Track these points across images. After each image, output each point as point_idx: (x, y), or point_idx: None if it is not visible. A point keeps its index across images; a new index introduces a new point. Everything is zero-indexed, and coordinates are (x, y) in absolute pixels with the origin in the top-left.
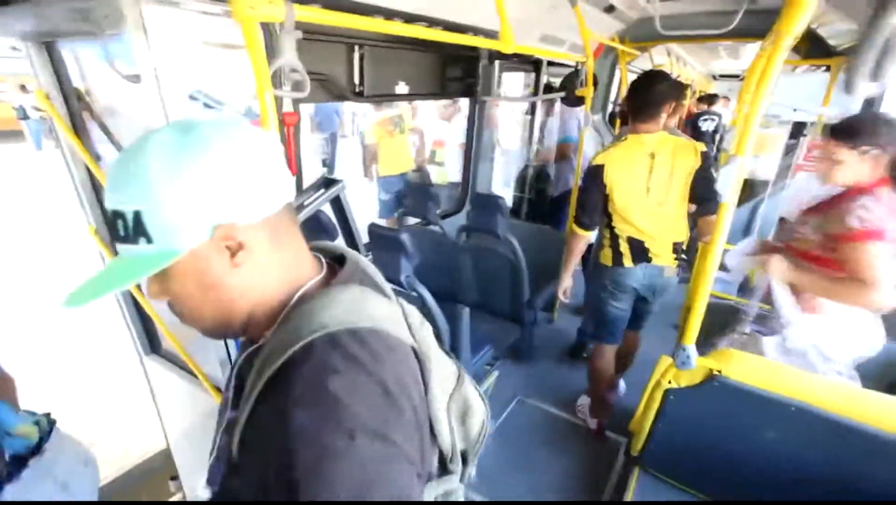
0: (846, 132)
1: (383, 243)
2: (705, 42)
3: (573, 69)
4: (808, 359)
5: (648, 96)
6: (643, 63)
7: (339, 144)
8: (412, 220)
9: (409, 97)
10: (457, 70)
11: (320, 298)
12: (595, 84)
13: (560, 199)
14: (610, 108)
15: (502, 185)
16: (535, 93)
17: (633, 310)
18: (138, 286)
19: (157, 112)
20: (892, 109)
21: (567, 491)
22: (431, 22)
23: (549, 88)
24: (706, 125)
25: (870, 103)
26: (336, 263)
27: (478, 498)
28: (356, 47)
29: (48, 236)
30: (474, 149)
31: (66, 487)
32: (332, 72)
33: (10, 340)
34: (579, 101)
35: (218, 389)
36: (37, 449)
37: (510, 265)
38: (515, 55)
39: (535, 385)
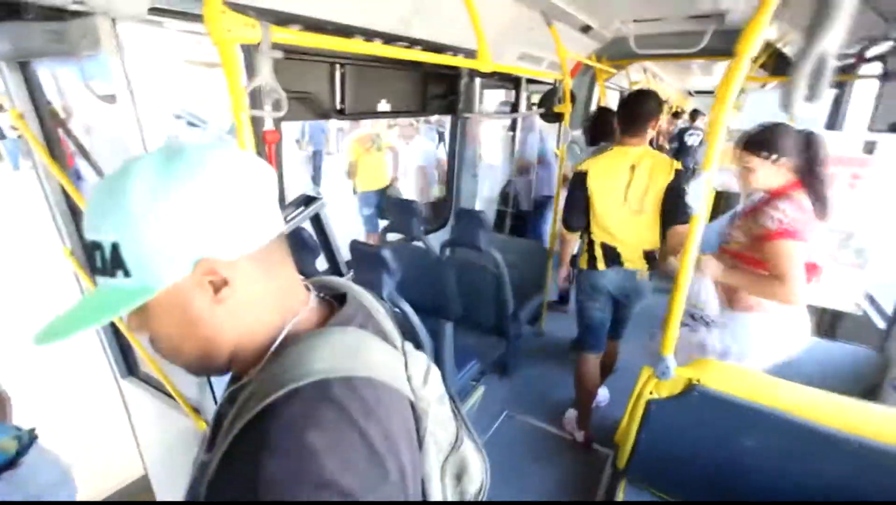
0: (754, 142)
1: (365, 260)
2: (678, 60)
3: (552, 86)
4: (727, 357)
5: (637, 113)
6: (620, 80)
7: (326, 161)
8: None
9: (390, 115)
10: (438, 88)
11: (314, 338)
12: (573, 101)
13: (525, 212)
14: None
15: (487, 200)
16: (516, 109)
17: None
18: None
19: (134, 132)
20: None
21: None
22: (411, 42)
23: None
24: (691, 139)
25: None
26: (337, 300)
27: None
28: (338, 66)
29: (25, 258)
30: (457, 165)
31: (37, 501)
32: (315, 90)
33: None
34: (557, 117)
35: (197, 412)
36: (13, 462)
37: (494, 279)
38: (495, 73)
39: (523, 399)
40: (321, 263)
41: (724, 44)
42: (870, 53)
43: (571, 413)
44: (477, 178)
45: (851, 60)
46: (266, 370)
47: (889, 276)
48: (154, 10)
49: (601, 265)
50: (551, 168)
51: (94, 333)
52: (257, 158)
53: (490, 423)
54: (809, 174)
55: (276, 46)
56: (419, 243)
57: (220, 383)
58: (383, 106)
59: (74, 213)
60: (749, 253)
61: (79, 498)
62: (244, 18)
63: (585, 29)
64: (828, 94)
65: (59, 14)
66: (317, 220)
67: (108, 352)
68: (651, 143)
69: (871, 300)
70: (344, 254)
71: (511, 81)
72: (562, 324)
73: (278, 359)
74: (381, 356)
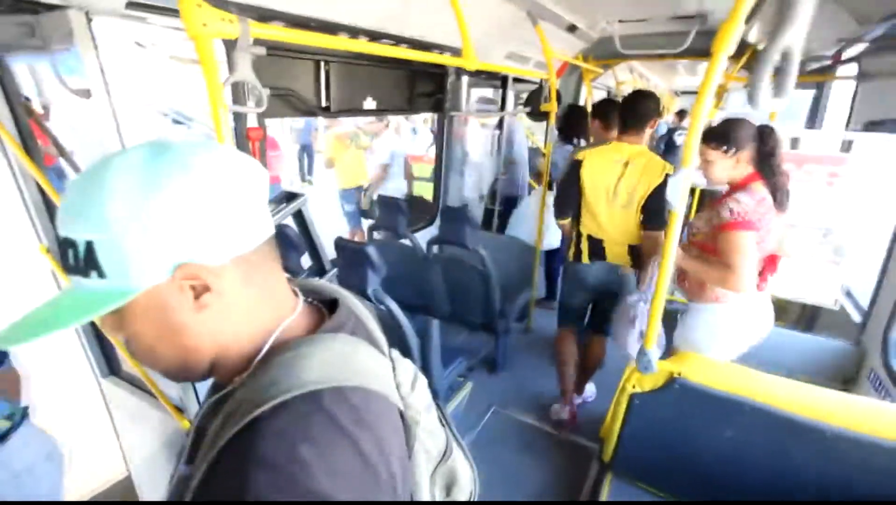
0: (711, 136)
1: (350, 257)
2: (663, 60)
3: (538, 85)
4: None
5: (637, 112)
6: (607, 80)
7: (317, 158)
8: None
9: (377, 112)
10: (425, 86)
11: (304, 346)
12: (559, 100)
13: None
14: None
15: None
16: (502, 108)
17: (593, 308)
18: None
19: (110, 128)
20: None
21: (542, 499)
22: (397, 40)
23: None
24: (680, 139)
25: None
26: (327, 306)
27: None
28: (323, 63)
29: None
30: (444, 163)
31: (17, 477)
32: (300, 87)
33: None
34: (544, 115)
35: (180, 411)
36: (1, 439)
37: (480, 276)
38: (482, 72)
39: (511, 395)
40: (305, 261)
41: (706, 44)
42: (846, 55)
43: (556, 406)
44: (464, 175)
45: (828, 62)
46: (253, 380)
47: (865, 271)
48: (131, 5)
49: (585, 258)
50: (520, 168)
51: (73, 331)
52: (248, 158)
53: (478, 419)
54: (765, 166)
55: (257, 42)
56: (406, 241)
57: (204, 383)
58: (369, 104)
59: (50, 210)
60: (710, 243)
61: (64, 495)
62: (221, 13)
63: (571, 29)
64: (806, 95)
65: (32, 7)
66: (299, 217)
67: (87, 351)
68: None
69: (849, 295)
70: (328, 251)
71: (498, 80)
72: (549, 320)
73: (265, 368)
74: (371, 365)
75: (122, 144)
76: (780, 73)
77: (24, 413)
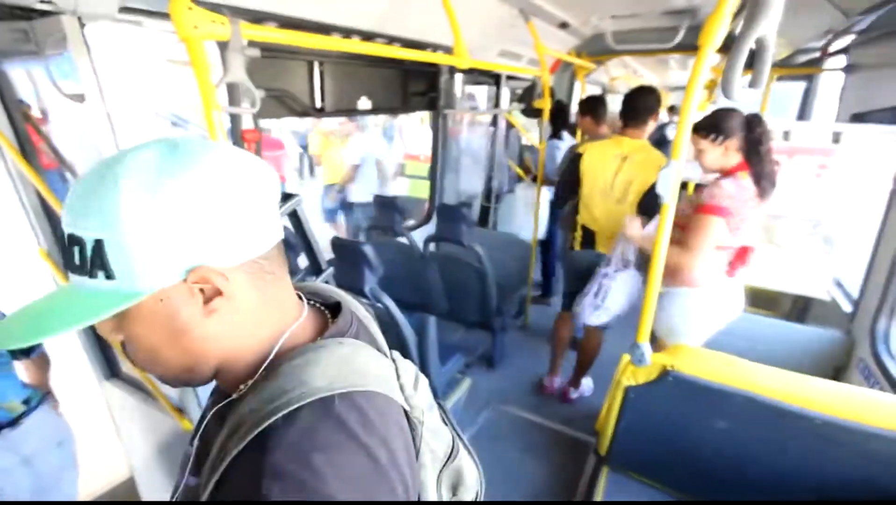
0: (702, 126)
1: (347, 256)
2: (655, 55)
3: (531, 82)
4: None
5: (639, 107)
6: (600, 76)
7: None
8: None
9: (371, 112)
10: (419, 84)
11: (310, 352)
12: (553, 97)
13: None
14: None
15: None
16: (496, 105)
17: None
18: None
19: (105, 131)
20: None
21: (540, 493)
22: (390, 39)
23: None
24: (671, 134)
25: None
26: (329, 309)
27: None
28: (316, 63)
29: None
30: (439, 161)
31: (27, 463)
32: (293, 88)
33: None
34: (537, 112)
35: (180, 412)
36: (15, 421)
37: (477, 273)
38: (474, 69)
39: (508, 391)
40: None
41: (697, 39)
42: (834, 47)
43: (547, 378)
44: (458, 173)
45: (817, 54)
46: (260, 388)
47: (855, 262)
48: (124, 10)
49: (577, 246)
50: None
51: (72, 333)
52: (260, 160)
53: (476, 414)
54: (753, 154)
55: (251, 45)
56: (403, 239)
57: (204, 386)
58: (363, 103)
59: (49, 214)
60: (687, 223)
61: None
62: (212, 15)
63: (563, 25)
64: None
65: (26, 13)
66: (295, 217)
67: (88, 353)
68: None
69: (839, 285)
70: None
71: (491, 78)
72: (545, 316)
73: (273, 376)
74: (376, 368)
75: (117, 148)
76: (755, 63)
77: (42, 399)
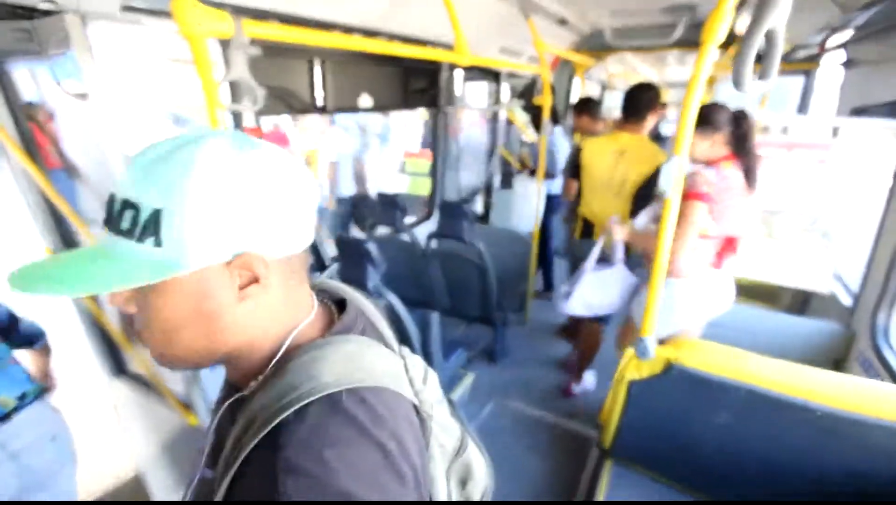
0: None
1: (351, 252)
2: (653, 52)
3: (532, 79)
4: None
5: (634, 103)
6: (599, 73)
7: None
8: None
9: (371, 110)
10: (419, 82)
11: (318, 349)
12: (553, 93)
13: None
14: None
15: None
16: (497, 102)
17: None
18: (98, 302)
19: (108, 129)
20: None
21: (544, 487)
22: (390, 37)
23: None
24: (665, 130)
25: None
26: (337, 305)
27: None
28: (317, 61)
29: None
30: (440, 158)
31: (14, 458)
32: (294, 86)
33: None
34: (537, 108)
35: (187, 409)
36: (7, 416)
37: (478, 269)
38: (475, 66)
39: (510, 386)
40: None
41: (696, 35)
42: (833, 41)
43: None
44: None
45: (816, 49)
46: (270, 385)
47: (854, 255)
48: (126, 9)
49: (577, 235)
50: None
51: (79, 329)
52: (310, 170)
53: (479, 409)
54: (740, 148)
55: (253, 43)
56: (405, 236)
57: (211, 381)
58: (364, 101)
59: (54, 213)
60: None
61: (76, 480)
62: (214, 12)
63: (562, 22)
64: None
65: (28, 13)
66: None
67: (94, 350)
68: None
69: (839, 279)
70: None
71: (491, 75)
72: (546, 311)
73: (282, 372)
74: (384, 364)
75: (120, 146)
76: (764, 56)
77: (39, 393)
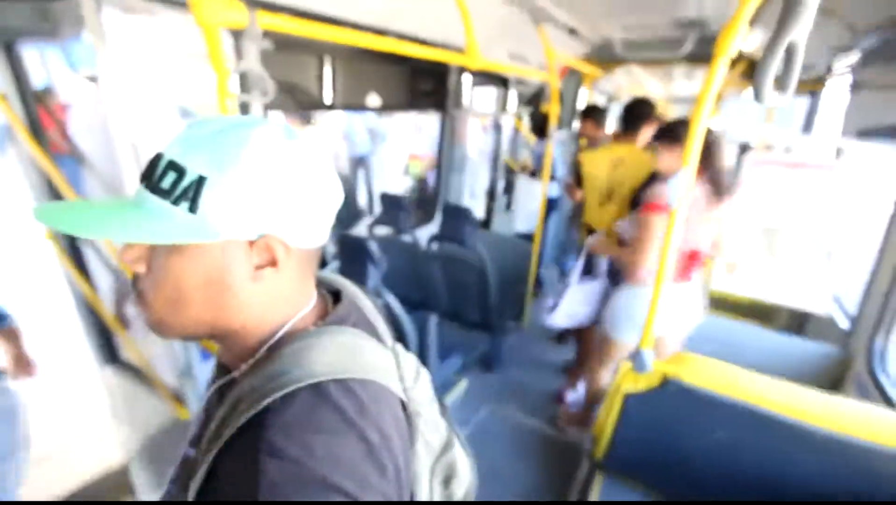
0: (660, 133)
1: (352, 252)
2: (662, 65)
3: (540, 87)
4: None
5: (630, 116)
6: (606, 84)
7: None
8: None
9: (379, 109)
10: (427, 83)
11: (310, 338)
12: (560, 101)
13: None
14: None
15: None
16: (504, 108)
17: None
18: (94, 288)
19: (117, 114)
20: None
21: (532, 497)
22: (401, 36)
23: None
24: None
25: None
26: (333, 296)
27: None
28: (327, 58)
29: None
30: (445, 161)
31: None
32: (303, 82)
33: None
34: (544, 117)
35: (178, 400)
36: None
37: (479, 274)
38: (484, 71)
39: (504, 393)
40: None
41: (706, 50)
42: (840, 63)
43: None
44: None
45: (822, 71)
46: (260, 368)
47: (853, 277)
48: None
49: (580, 242)
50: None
51: (73, 317)
52: (339, 174)
53: (471, 416)
54: (704, 161)
55: (265, 35)
56: (407, 237)
57: (203, 371)
58: (372, 100)
59: (57, 196)
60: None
61: (55, 491)
62: (230, 2)
63: (573, 32)
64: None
65: None
66: None
67: (87, 338)
68: None
69: (837, 301)
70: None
71: (499, 80)
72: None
73: (273, 357)
74: (374, 357)
75: (129, 132)
76: (783, 69)
77: None
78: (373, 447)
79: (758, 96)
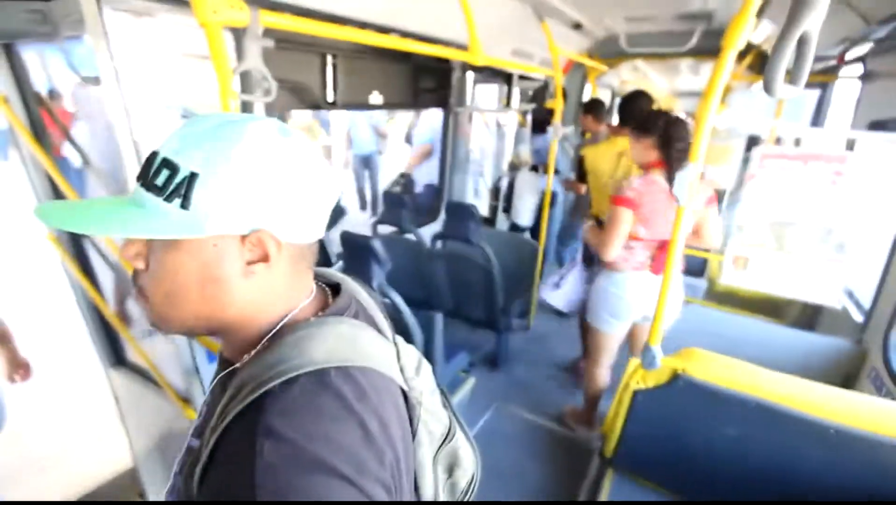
0: (631, 125)
1: (356, 251)
2: (668, 59)
3: (544, 83)
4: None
5: (630, 109)
6: (611, 79)
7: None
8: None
9: (382, 107)
10: (430, 81)
11: (311, 327)
12: (565, 97)
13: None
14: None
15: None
16: (507, 105)
17: None
18: (99, 291)
19: (120, 116)
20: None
21: (542, 495)
22: (403, 34)
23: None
24: None
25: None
26: (332, 289)
27: None
28: (329, 56)
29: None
30: (448, 158)
31: None
32: (306, 81)
33: None
34: (549, 113)
35: (185, 402)
36: None
37: (484, 272)
38: (487, 67)
39: (512, 391)
40: None
41: (712, 44)
42: (851, 54)
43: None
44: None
45: (833, 62)
46: (261, 357)
47: (868, 270)
48: None
49: None
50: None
51: (79, 320)
52: (337, 170)
53: (479, 414)
54: (666, 151)
55: (265, 34)
56: (411, 236)
57: (209, 372)
58: (374, 98)
59: (60, 197)
60: None
61: (66, 493)
62: (231, 0)
63: (577, 26)
64: (812, 94)
65: None
66: None
67: (94, 341)
68: None
69: (850, 295)
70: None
71: (503, 77)
72: (551, 317)
73: (273, 347)
74: (374, 347)
75: (131, 133)
76: (796, 60)
77: None
78: (372, 434)
79: (769, 89)
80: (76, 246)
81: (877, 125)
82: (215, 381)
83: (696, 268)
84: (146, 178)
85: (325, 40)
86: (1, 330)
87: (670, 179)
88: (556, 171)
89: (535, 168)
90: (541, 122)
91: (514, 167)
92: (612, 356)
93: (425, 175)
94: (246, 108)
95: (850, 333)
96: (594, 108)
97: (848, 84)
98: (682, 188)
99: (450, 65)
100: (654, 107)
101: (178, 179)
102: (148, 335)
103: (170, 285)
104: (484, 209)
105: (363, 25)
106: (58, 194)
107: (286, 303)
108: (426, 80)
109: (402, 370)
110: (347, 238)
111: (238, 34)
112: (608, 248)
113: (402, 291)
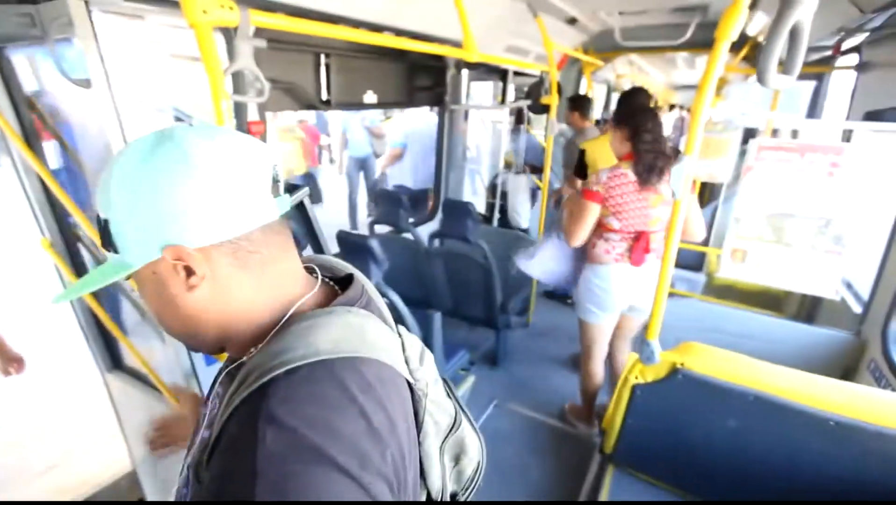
0: (613, 119)
1: (353, 250)
2: (663, 53)
3: (539, 78)
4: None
5: (628, 105)
6: (606, 73)
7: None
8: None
9: (377, 106)
10: (425, 79)
11: (319, 317)
12: (560, 93)
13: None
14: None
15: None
16: (503, 101)
17: None
18: (96, 296)
19: (111, 119)
20: None
21: (544, 492)
22: (397, 32)
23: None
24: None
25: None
26: (340, 283)
27: None
28: (323, 56)
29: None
30: (445, 156)
31: None
32: (299, 80)
33: None
34: (544, 108)
35: None
36: None
37: (482, 270)
38: (482, 65)
39: (512, 389)
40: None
41: (707, 36)
42: (846, 44)
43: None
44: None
45: (829, 52)
46: (268, 347)
47: (866, 262)
48: None
49: None
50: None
51: (76, 325)
52: (253, 144)
53: (479, 412)
54: (636, 142)
55: (257, 34)
56: (408, 235)
57: (207, 376)
58: (369, 97)
59: (53, 205)
60: None
61: (66, 497)
62: (221, 0)
63: (571, 21)
64: (808, 85)
65: None
66: (301, 209)
67: (91, 346)
68: None
69: (849, 286)
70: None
71: (498, 74)
72: (550, 314)
73: (280, 336)
74: (382, 338)
75: (123, 136)
76: (788, 49)
77: None
78: (375, 426)
79: (762, 79)
80: (70, 251)
81: (873, 115)
82: (224, 373)
83: (694, 262)
84: (101, 241)
85: (318, 39)
86: None
87: (637, 172)
88: (537, 168)
89: (522, 169)
90: (519, 118)
91: (509, 166)
92: (604, 349)
93: (397, 177)
94: (238, 108)
95: (848, 324)
96: (580, 104)
97: (844, 74)
98: (678, 181)
99: (444, 62)
100: (652, 103)
101: (103, 230)
102: (145, 339)
103: (153, 311)
104: (481, 207)
105: (356, 24)
106: (51, 199)
107: (275, 294)
108: (421, 78)
109: (406, 361)
110: (344, 238)
111: (229, 34)
112: (572, 237)
113: (400, 291)
